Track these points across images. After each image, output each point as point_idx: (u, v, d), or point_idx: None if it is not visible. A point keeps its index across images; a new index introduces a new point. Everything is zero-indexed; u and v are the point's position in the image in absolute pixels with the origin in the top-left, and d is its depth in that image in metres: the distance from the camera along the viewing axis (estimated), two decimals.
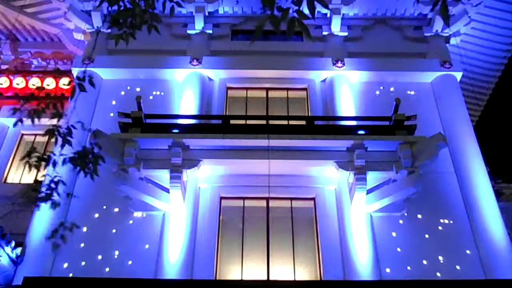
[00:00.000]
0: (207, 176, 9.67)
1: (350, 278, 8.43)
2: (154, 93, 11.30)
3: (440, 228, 9.14)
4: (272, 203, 9.38)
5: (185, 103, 10.87)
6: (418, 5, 12.33)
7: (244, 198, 9.66)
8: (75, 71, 11.34)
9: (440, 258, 8.74)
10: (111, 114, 10.65)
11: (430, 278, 8.44)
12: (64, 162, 4.66)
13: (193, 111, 10.68)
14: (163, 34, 11.31)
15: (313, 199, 9.63)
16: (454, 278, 8.42)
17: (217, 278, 8.67)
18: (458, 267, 8.65)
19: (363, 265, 8.53)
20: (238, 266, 8.87)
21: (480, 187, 9.56)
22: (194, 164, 9.28)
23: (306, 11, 3.81)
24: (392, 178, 9.22)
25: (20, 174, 11.94)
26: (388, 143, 9.29)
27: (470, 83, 13.56)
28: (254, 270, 8.81)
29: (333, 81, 11.39)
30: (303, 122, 10.27)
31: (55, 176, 4.72)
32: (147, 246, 8.87)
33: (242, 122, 10.39)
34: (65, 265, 8.61)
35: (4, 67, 13.94)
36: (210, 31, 12.44)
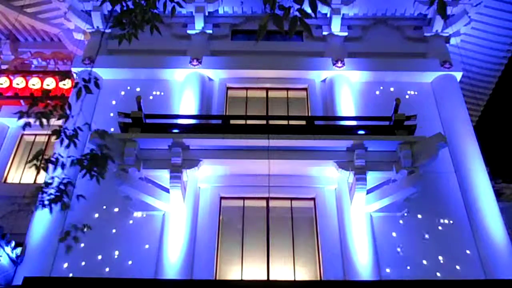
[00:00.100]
0: (207, 176, 9.68)
1: (350, 278, 8.43)
2: (154, 93, 11.31)
3: (440, 228, 9.14)
4: (272, 203, 9.38)
5: (185, 103, 10.87)
6: (418, 5, 12.35)
7: (244, 198, 9.66)
8: (76, 71, 11.35)
9: (440, 258, 8.74)
10: (111, 114, 10.65)
11: (430, 278, 8.44)
12: (71, 164, 4.66)
13: (193, 111, 10.68)
14: (163, 34, 11.24)
15: (313, 199, 9.63)
16: (454, 278, 8.42)
17: (217, 278, 8.67)
18: (458, 267, 8.65)
19: (363, 265, 8.53)
20: (238, 266, 8.87)
21: (480, 187, 9.56)
22: (194, 164, 9.28)
23: (307, 10, 3.81)
24: (392, 178, 9.22)
25: (20, 174, 11.96)
26: (388, 143, 9.28)
27: (470, 83, 13.57)
28: (254, 270, 8.81)
29: (333, 81, 11.39)
30: (303, 122, 10.26)
31: (63, 178, 4.73)
32: (147, 246, 8.88)
33: (242, 122, 10.39)
34: (65, 265, 8.61)
35: (4, 67, 13.95)
36: (210, 31, 12.44)
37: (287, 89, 11.65)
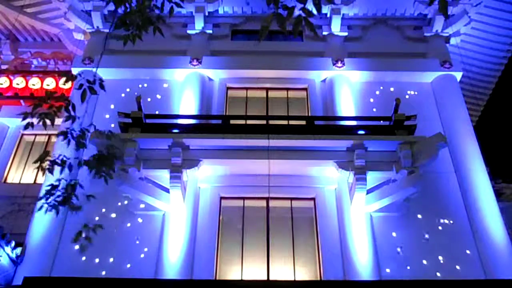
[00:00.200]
0: (207, 176, 9.68)
1: (350, 278, 8.43)
2: (154, 93, 11.30)
3: (440, 228, 9.14)
4: (272, 203, 9.38)
5: (185, 103, 10.87)
6: (418, 5, 12.35)
7: (244, 198, 9.66)
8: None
9: (440, 258, 8.74)
10: (107, 116, 10.65)
11: (430, 278, 8.44)
12: (79, 164, 4.68)
13: (193, 111, 10.69)
14: (163, 34, 11.30)
15: (313, 199, 9.63)
16: (454, 278, 8.42)
17: (217, 278, 8.67)
18: (458, 267, 8.65)
19: (363, 265, 8.53)
20: (238, 266, 8.87)
21: (480, 187, 9.56)
22: (194, 164, 9.28)
23: (310, 9, 3.81)
24: (392, 178, 9.21)
25: (20, 174, 11.96)
26: (388, 143, 9.28)
27: (470, 83, 13.57)
28: (254, 270, 8.81)
29: (333, 81, 11.39)
30: (303, 122, 10.26)
31: (71, 179, 4.74)
32: (147, 246, 8.87)
33: (242, 122, 10.39)
34: (65, 265, 8.60)
35: (4, 67, 13.95)
36: (210, 31, 12.44)
37: (287, 89, 11.65)
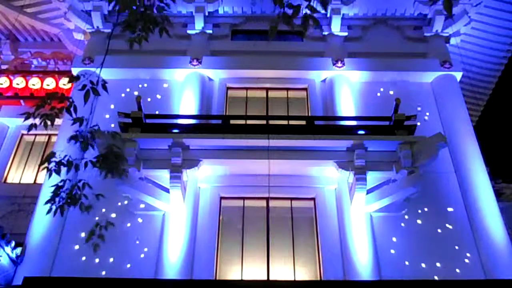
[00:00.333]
0: (207, 176, 9.68)
1: (350, 278, 8.43)
2: (154, 93, 11.30)
3: (440, 228, 9.14)
4: (272, 203, 9.38)
5: (185, 103, 10.87)
6: (418, 5, 12.35)
7: (244, 198, 9.66)
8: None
9: (440, 258, 8.74)
10: (107, 116, 10.65)
11: (430, 278, 8.44)
12: (85, 165, 4.69)
13: (193, 111, 10.69)
14: (163, 34, 11.31)
15: (313, 199, 9.63)
16: (454, 278, 8.43)
17: (217, 278, 8.67)
18: (458, 267, 8.65)
19: (363, 265, 8.53)
20: (238, 266, 8.87)
21: (480, 187, 9.56)
22: (194, 164, 9.28)
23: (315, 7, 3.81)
24: (392, 178, 9.22)
25: (20, 174, 11.96)
26: (388, 143, 9.28)
27: (470, 83, 13.57)
28: (254, 270, 8.81)
29: (333, 81, 11.39)
30: (303, 122, 10.26)
31: (79, 180, 4.75)
32: (147, 246, 8.87)
33: (242, 122, 10.39)
34: (65, 265, 8.60)
35: (4, 67, 13.95)
36: (210, 31, 12.44)
37: (287, 89, 11.65)
